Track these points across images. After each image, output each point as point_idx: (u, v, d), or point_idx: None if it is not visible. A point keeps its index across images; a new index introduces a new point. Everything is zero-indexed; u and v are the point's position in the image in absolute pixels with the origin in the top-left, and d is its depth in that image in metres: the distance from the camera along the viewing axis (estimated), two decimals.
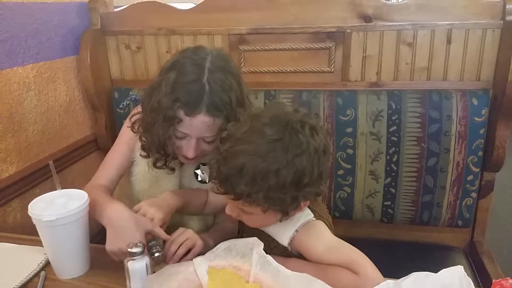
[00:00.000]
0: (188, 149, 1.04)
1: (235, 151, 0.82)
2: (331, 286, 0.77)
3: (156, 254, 0.91)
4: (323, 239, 0.89)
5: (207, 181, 1.17)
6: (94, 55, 1.52)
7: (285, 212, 0.85)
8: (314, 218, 0.91)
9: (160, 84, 1.02)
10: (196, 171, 1.18)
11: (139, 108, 1.15)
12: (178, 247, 0.95)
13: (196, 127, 1.00)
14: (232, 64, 1.07)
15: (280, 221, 0.89)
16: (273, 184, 0.79)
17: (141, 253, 0.82)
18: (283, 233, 0.90)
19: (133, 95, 1.43)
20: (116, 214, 0.94)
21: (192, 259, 0.92)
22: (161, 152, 1.09)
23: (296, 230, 0.89)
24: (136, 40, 1.55)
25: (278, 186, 0.79)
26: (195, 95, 0.98)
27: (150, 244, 0.93)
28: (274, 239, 0.92)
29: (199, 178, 1.18)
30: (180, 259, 0.95)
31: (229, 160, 0.81)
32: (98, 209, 0.98)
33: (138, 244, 0.83)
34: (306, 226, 0.90)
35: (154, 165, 1.12)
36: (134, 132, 1.14)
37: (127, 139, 1.18)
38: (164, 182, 1.18)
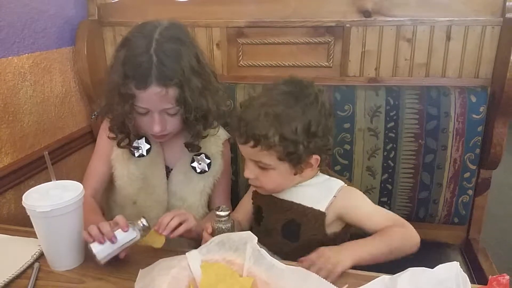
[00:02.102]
0: (153, 124, 1.04)
1: (253, 103, 0.95)
2: (399, 244, 0.92)
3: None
4: (368, 201, 1.02)
5: (207, 169, 1.18)
6: (91, 46, 1.50)
7: (298, 162, 0.94)
8: (346, 184, 1.02)
9: (113, 63, 1.04)
10: (192, 164, 1.18)
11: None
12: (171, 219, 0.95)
13: (151, 99, 1.01)
14: (185, 33, 1.08)
15: (295, 175, 0.97)
16: (287, 129, 0.90)
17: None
18: (319, 200, 1.00)
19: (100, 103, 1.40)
20: None
21: (183, 231, 0.95)
22: (124, 131, 1.10)
23: (335, 196, 1.00)
24: None
25: (291, 131, 0.90)
26: (143, 67, 0.98)
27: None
28: (308, 207, 1.00)
29: (198, 170, 1.18)
30: (172, 233, 0.95)
31: (248, 109, 0.95)
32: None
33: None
34: (344, 191, 1.01)
35: (118, 145, 1.13)
36: (100, 115, 1.16)
37: (102, 148, 1.20)
38: (151, 178, 1.17)
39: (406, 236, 0.95)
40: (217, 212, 0.92)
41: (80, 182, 0.95)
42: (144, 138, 1.17)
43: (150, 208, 1.19)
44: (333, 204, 0.99)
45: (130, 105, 1.02)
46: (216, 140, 1.21)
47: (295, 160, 0.93)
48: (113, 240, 0.88)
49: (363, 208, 1.00)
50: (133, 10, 1.52)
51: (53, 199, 0.88)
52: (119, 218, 0.91)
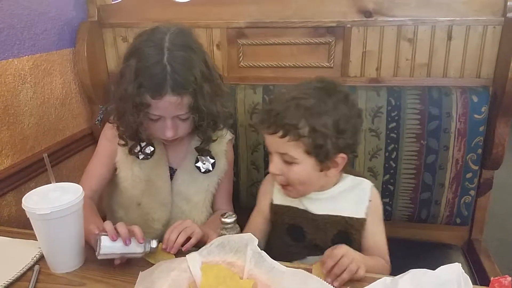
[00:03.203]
0: (166, 129, 1.06)
1: (283, 96, 0.96)
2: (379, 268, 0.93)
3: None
4: (382, 214, 1.05)
5: (211, 168, 1.19)
6: (91, 48, 1.50)
7: (326, 158, 0.93)
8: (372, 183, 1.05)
9: (124, 72, 1.03)
10: (197, 164, 1.18)
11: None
12: (178, 235, 0.95)
13: (165, 108, 1.02)
14: (193, 39, 1.08)
15: (321, 171, 0.96)
16: (318, 121, 0.90)
17: None
18: (357, 206, 1.02)
19: (102, 107, 1.37)
20: None
21: (191, 247, 0.94)
22: (135, 138, 1.11)
23: (370, 200, 1.02)
24: (133, 33, 1.52)
25: (322, 124, 0.90)
26: (158, 77, 0.99)
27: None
28: (350, 217, 1.01)
29: (202, 170, 1.18)
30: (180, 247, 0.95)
31: (277, 101, 0.95)
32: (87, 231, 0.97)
33: None
34: (375, 194, 1.05)
35: (130, 152, 1.14)
36: (110, 123, 1.15)
37: (104, 150, 1.19)
38: (156, 180, 1.17)
39: (386, 272, 0.98)
40: (223, 219, 0.91)
41: (80, 184, 0.95)
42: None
43: (154, 209, 1.19)
44: (369, 208, 1.02)
45: (144, 114, 1.03)
46: (220, 140, 1.21)
47: (322, 155, 0.93)
48: (126, 242, 0.88)
49: (378, 223, 1.04)
50: (132, 11, 1.52)
51: (53, 202, 0.88)
52: (137, 229, 0.90)
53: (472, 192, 1.36)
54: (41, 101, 1.38)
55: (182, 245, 0.94)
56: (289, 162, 0.95)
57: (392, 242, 1.44)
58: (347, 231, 1.02)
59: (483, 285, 0.82)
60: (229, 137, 1.24)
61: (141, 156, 1.15)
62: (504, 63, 1.27)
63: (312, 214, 1.03)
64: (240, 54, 1.48)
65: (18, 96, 1.29)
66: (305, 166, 0.94)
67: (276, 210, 1.08)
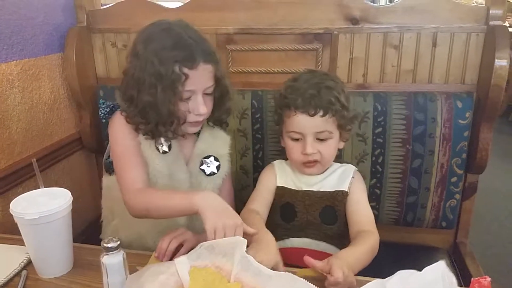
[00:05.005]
0: (199, 105, 1.08)
1: (305, 81, 1.12)
2: (373, 255, 1.01)
3: None
4: (365, 190, 1.17)
5: (216, 171, 1.19)
6: (79, 53, 1.50)
7: (345, 129, 1.13)
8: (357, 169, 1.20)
9: (146, 60, 1.04)
10: (201, 167, 1.18)
11: (117, 114, 1.14)
12: (169, 243, 0.95)
13: (201, 77, 1.06)
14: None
15: (344, 141, 1.17)
16: (342, 98, 1.09)
17: (117, 248, 0.81)
18: (341, 182, 1.15)
19: (105, 102, 1.25)
20: (212, 199, 0.96)
21: (185, 254, 0.93)
22: (168, 124, 1.08)
23: (353, 177, 1.16)
24: (122, 38, 1.54)
25: (344, 99, 1.09)
26: (188, 49, 1.04)
27: None
28: (333, 191, 1.14)
29: (207, 172, 1.18)
30: (173, 256, 0.95)
31: (303, 87, 1.10)
32: (182, 201, 0.96)
33: (113, 239, 0.81)
34: (359, 174, 1.19)
35: (166, 137, 1.12)
36: (128, 122, 1.11)
37: (131, 144, 1.11)
38: (176, 173, 1.15)
39: (377, 246, 1.05)
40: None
41: (68, 189, 0.94)
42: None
43: None
44: (352, 183, 1.15)
45: (182, 86, 1.03)
46: (224, 142, 1.24)
47: (345, 126, 1.12)
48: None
49: (362, 197, 1.14)
50: (122, 17, 1.52)
51: (41, 207, 0.88)
52: None
53: (457, 196, 1.39)
54: (29, 106, 1.37)
55: (175, 254, 0.95)
56: (323, 139, 1.09)
57: (379, 246, 1.45)
58: (333, 205, 1.14)
59: None
60: (229, 140, 1.27)
61: (161, 150, 1.12)
62: (487, 70, 1.30)
63: (303, 191, 1.16)
64: (229, 60, 1.49)
65: (6, 101, 1.28)
66: (335, 139, 1.11)
67: (277, 192, 1.19)
